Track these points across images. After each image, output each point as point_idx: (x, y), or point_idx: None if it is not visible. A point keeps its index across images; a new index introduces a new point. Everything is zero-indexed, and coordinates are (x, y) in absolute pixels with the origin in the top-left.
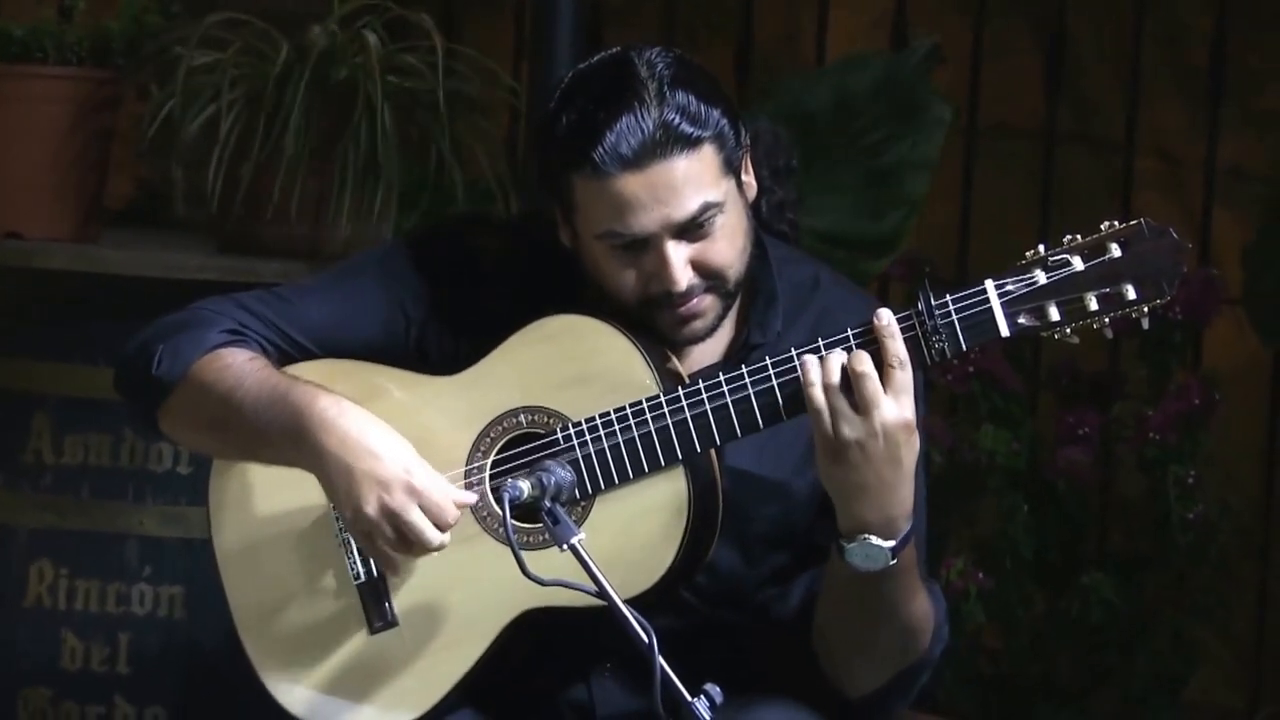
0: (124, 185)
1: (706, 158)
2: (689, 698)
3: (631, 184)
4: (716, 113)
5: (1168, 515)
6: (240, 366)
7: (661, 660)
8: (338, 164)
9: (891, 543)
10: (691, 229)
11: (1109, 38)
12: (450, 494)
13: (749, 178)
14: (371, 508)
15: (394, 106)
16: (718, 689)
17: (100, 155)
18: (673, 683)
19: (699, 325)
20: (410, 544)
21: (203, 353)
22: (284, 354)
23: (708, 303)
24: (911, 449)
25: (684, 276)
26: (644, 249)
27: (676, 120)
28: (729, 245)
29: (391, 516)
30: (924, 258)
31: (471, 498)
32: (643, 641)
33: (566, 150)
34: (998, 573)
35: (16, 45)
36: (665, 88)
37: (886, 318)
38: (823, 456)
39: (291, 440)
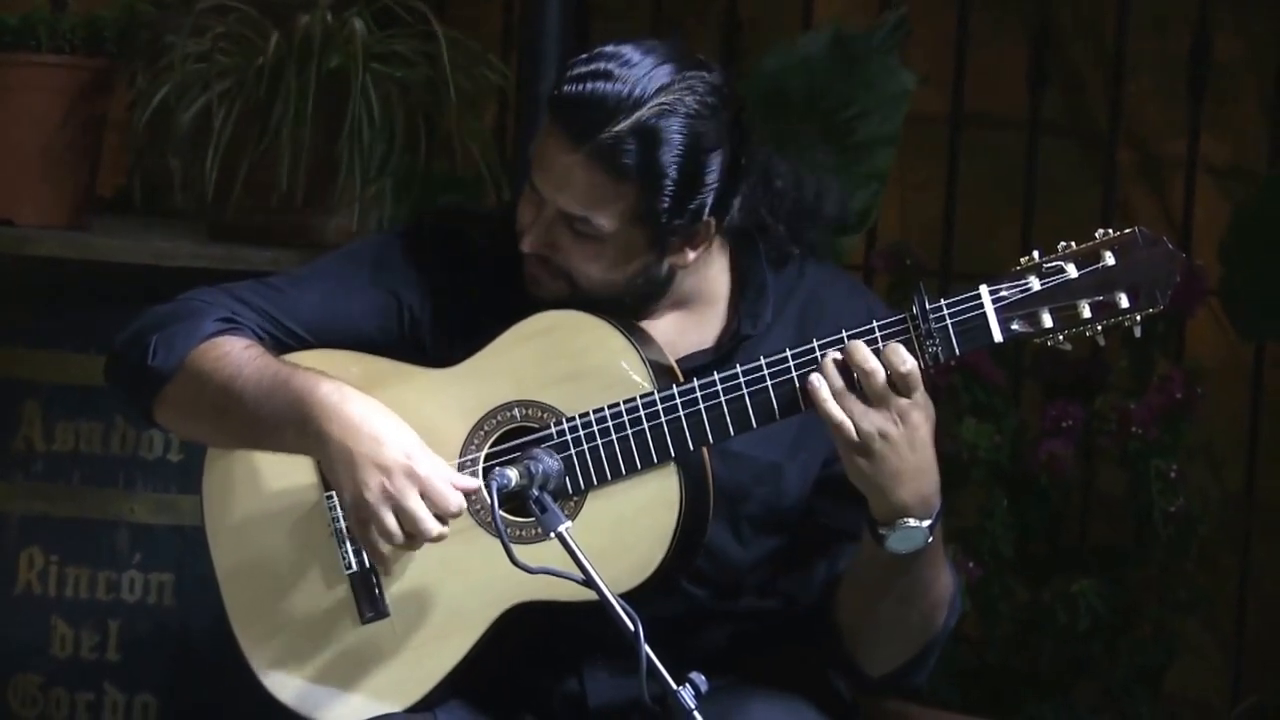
0: (116, 173)
1: (618, 192)
2: (674, 686)
3: (554, 139)
4: (673, 181)
5: (1149, 508)
6: (238, 354)
7: (648, 649)
8: (332, 153)
9: (928, 521)
10: (568, 219)
11: (1093, 28)
12: (453, 479)
13: (680, 258)
14: (372, 493)
15: (384, 95)
16: (703, 678)
17: (92, 143)
18: (659, 672)
19: (536, 290)
20: (408, 534)
21: (198, 341)
22: (279, 343)
23: (546, 279)
24: (929, 422)
25: (531, 239)
26: (538, 192)
27: (629, 142)
28: (592, 266)
29: (391, 502)
30: (909, 248)
31: (474, 483)
32: (629, 630)
33: (565, 66)
34: (980, 565)
35: (10, 33)
36: (662, 113)
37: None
38: (850, 456)
39: (294, 426)
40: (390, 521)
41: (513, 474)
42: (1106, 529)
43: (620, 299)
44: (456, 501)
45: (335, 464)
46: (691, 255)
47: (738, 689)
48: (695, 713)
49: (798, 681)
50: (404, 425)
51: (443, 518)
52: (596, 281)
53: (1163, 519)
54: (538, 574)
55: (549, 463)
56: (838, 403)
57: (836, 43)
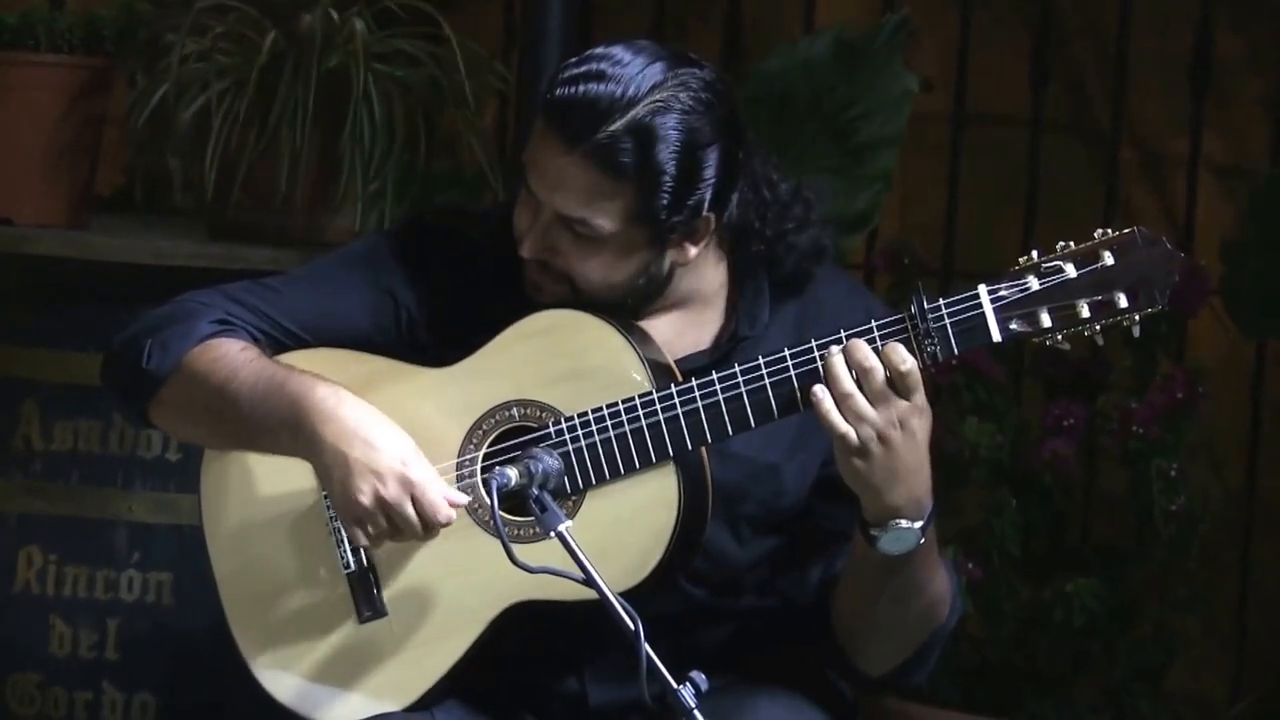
0: (114, 172)
1: (616, 191)
2: (674, 685)
3: (549, 142)
4: (671, 177)
5: (1151, 507)
6: (234, 357)
7: (648, 648)
8: (332, 152)
9: (920, 523)
10: (566, 222)
11: (1095, 27)
12: (445, 492)
13: (681, 255)
14: (366, 498)
15: (385, 94)
16: (703, 676)
17: (91, 142)
18: (659, 671)
19: (537, 295)
20: (401, 532)
21: (193, 344)
22: (277, 343)
23: (548, 283)
24: (926, 427)
25: (530, 244)
26: (535, 196)
27: (625, 140)
28: (593, 267)
29: (385, 507)
30: (909, 248)
31: (464, 498)
32: (629, 630)
33: (556, 70)
34: (984, 564)
35: (8, 32)
36: (657, 110)
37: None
38: (845, 457)
39: (289, 430)
40: (383, 525)
41: (512, 473)
42: (1108, 528)
43: (623, 300)
44: (446, 513)
45: (329, 468)
46: (693, 251)
47: (738, 689)
48: (696, 712)
49: (798, 681)
50: (399, 431)
51: (432, 525)
52: (598, 283)
53: (1164, 518)
54: (538, 573)
55: (549, 462)
56: (838, 404)
57: (838, 45)
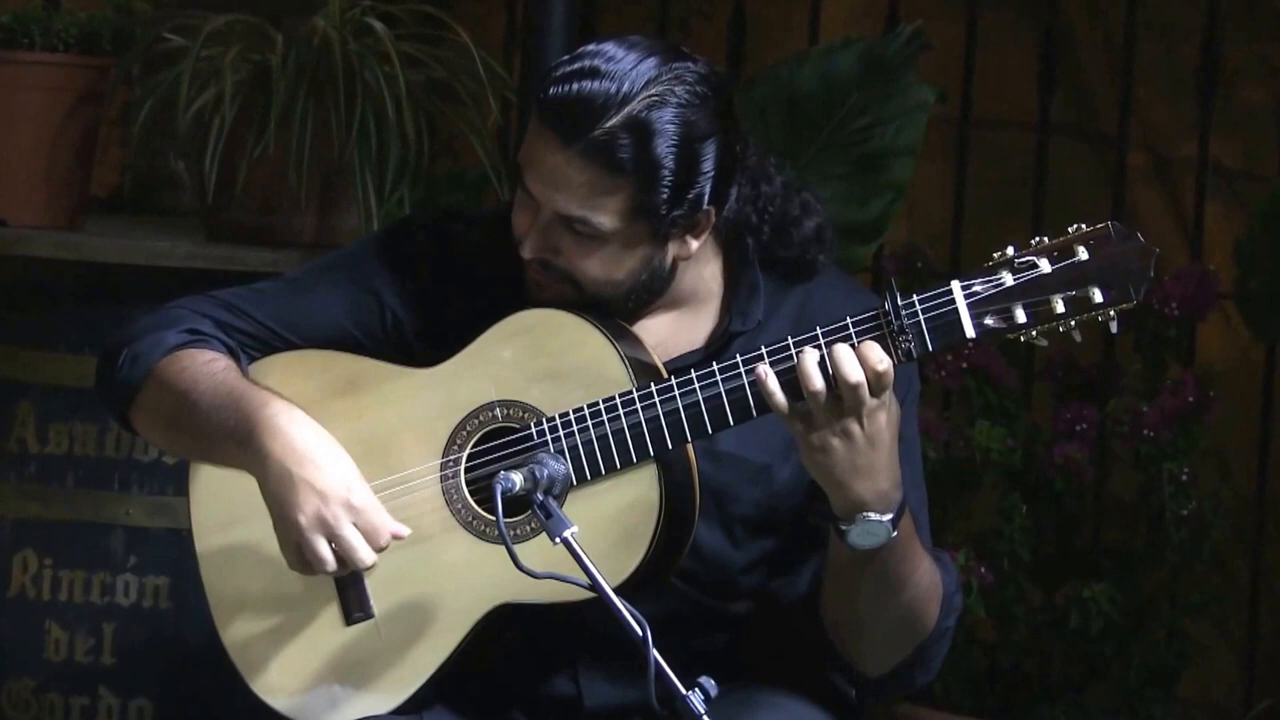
0: (110, 173)
1: (616, 188)
2: (683, 691)
3: (545, 142)
4: (670, 171)
5: (1162, 511)
6: (196, 369)
7: (656, 653)
8: (335, 154)
9: (889, 515)
10: (566, 221)
11: (1102, 31)
12: (386, 521)
13: (683, 249)
14: (306, 516)
15: (391, 96)
16: (712, 682)
17: (87, 143)
18: (667, 676)
19: (540, 295)
20: (340, 560)
21: (162, 355)
22: (264, 345)
23: (551, 284)
24: (892, 423)
25: (530, 246)
26: (533, 197)
27: (623, 137)
28: (595, 265)
29: (325, 528)
30: (918, 251)
31: (405, 530)
32: (637, 635)
33: (548, 69)
34: (995, 569)
35: (3, 32)
36: (653, 105)
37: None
38: (808, 452)
39: (239, 443)
40: (322, 548)
41: (517, 477)
42: (1119, 532)
43: (626, 297)
44: (386, 538)
45: (273, 483)
46: (695, 245)
47: (738, 693)
48: (705, 717)
49: (799, 684)
50: (345, 455)
51: (374, 548)
52: (601, 281)
53: (1175, 522)
54: (543, 579)
55: (554, 466)
56: (806, 397)
57: (852, 54)
